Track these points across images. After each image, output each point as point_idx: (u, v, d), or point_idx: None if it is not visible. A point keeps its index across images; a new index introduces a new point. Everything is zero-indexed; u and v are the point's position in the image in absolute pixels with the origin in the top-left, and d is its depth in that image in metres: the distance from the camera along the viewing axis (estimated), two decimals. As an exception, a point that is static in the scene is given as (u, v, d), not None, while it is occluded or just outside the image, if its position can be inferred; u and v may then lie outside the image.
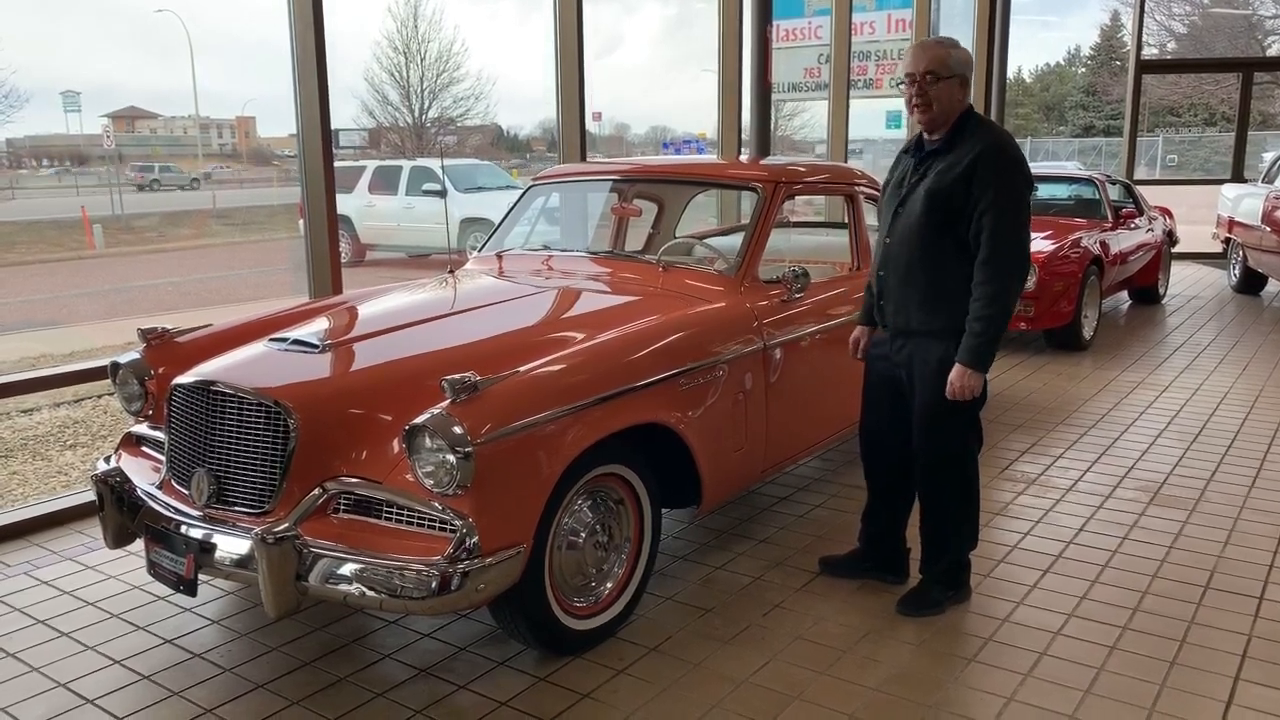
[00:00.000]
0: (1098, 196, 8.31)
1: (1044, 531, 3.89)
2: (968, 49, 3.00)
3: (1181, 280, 10.74)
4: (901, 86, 2.99)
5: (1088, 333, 7.38)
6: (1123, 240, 8.05)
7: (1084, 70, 43.77)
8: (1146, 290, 9.27)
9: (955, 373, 2.90)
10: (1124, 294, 9.36)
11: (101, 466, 3.19)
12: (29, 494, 5.10)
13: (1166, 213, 9.66)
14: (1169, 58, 30.15)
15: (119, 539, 3.06)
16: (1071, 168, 21.33)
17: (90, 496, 3.28)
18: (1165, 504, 4.17)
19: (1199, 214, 12.19)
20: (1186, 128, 35.22)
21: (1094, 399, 5.91)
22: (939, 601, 3.21)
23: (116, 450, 3.34)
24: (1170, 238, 9.54)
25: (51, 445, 5.99)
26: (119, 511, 3.02)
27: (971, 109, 2.98)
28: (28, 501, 4.72)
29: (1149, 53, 27.09)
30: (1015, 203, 2.86)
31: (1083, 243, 7.29)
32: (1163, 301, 9.50)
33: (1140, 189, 9.51)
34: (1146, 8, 15.65)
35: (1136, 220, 8.51)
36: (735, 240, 3.96)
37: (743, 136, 7.53)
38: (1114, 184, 8.91)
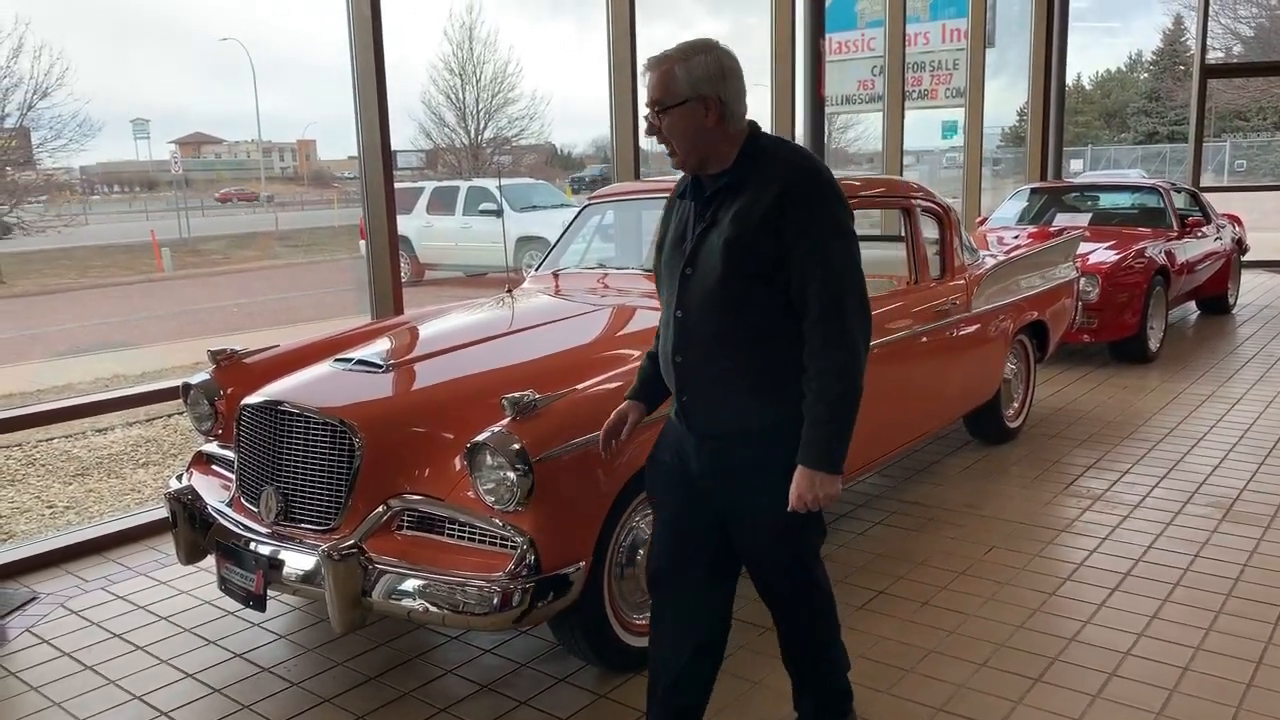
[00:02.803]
0: (1162, 205, 8.13)
1: (1111, 549, 3.81)
2: (723, 50, 2.16)
3: (1253, 289, 10.45)
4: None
5: (1154, 344, 7.21)
6: (1189, 249, 7.86)
7: (1146, 75, 42.90)
8: (1216, 300, 9.03)
9: (802, 480, 2.09)
10: (1192, 304, 9.13)
11: (174, 485, 3.28)
12: (104, 511, 5.27)
13: (1235, 220, 9.41)
14: (1234, 61, 29.40)
15: (191, 555, 3.15)
16: (1134, 175, 20.87)
17: (163, 513, 3.39)
18: (1238, 520, 4.06)
19: (1271, 220, 11.87)
20: (1255, 132, 34.29)
21: (1161, 412, 5.77)
22: None
23: (188, 469, 3.44)
24: (1240, 246, 9.29)
25: (125, 463, 6.17)
26: (191, 528, 3.11)
27: (756, 129, 2.21)
28: (104, 518, 4.87)
29: (1214, 56, 26.44)
30: (845, 241, 2.12)
31: (1147, 253, 7.14)
32: (1233, 311, 9.25)
33: (1207, 196, 9.28)
34: (1211, 11, 15.30)
35: (1204, 228, 8.30)
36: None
37: (796, 150, 7.50)
38: (1179, 192, 8.71)
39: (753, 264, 2.11)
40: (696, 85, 2.10)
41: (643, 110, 2.20)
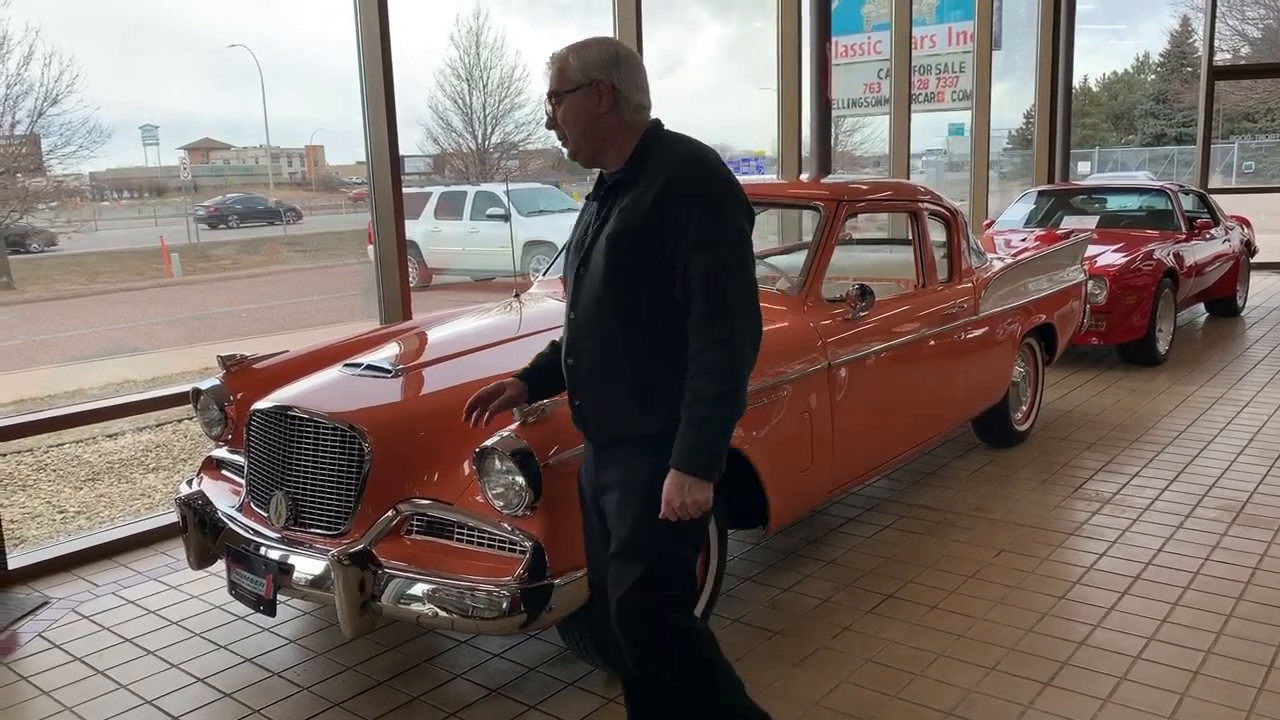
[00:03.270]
0: (1170, 207, 8.12)
1: (1120, 552, 3.80)
2: (620, 44, 2.16)
3: (1262, 291, 10.41)
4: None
5: (1163, 347, 7.19)
6: (1198, 251, 7.85)
7: (1154, 77, 42.78)
8: (1225, 302, 9.00)
9: (672, 484, 1.97)
10: (1201, 306, 9.10)
11: (184, 490, 3.30)
12: (115, 516, 5.29)
13: (1244, 222, 9.39)
14: (1242, 63, 29.33)
15: (201, 560, 3.16)
16: (1142, 178, 20.84)
17: (173, 518, 3.40)
18: (1249, 523, 4.04)
19: (1279, 221, 11.81)
20: (1263, 133, 34.19)
21: (1170, 415, 5.75)
22: None
23: (198, 474, 3.46)
24: (1248, 248, 9.27)
25: (135, 468, 6.20)
26: (201, 533, 3.12)
27: (658, 126, 2.15)
28: (114, 523, 4.90)
29: (1222, 58, 26.39)
30: (733, 235, 2.02)
31: (1155, 255, 7.12)
32: (1242, 314, 9.22)
33: (1215, 198, 9.26)
34: (1218, 12, 15.27)
35: (1212, 231, 8.29)
36: (797, 259, 3.96)
37: (803, 154, 7.52)
38: (1187, 194, 8.69)
39: (639, 260, 2.04)
40: (589, 71, 2.07)
41: (544, 105, 2.15)
